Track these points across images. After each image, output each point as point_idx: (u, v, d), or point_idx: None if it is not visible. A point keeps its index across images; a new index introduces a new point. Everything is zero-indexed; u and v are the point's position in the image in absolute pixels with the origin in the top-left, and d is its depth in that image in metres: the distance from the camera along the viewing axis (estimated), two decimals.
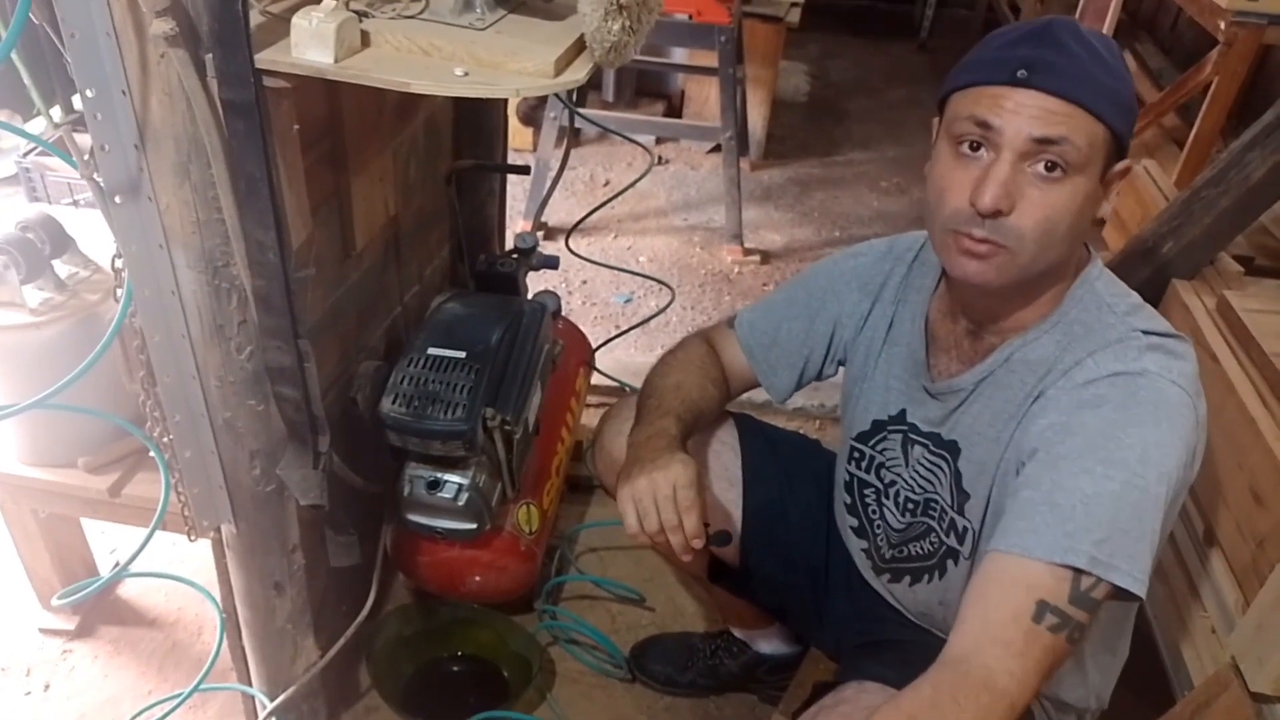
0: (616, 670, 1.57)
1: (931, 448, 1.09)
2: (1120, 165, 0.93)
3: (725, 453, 1.30)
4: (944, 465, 1.07)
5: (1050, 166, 0.88)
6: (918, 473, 1.11)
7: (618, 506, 1.07)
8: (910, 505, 1.13)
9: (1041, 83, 0.87)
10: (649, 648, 1.58)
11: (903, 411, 1.12)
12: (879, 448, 1.16)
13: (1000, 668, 0.83)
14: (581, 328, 1.98)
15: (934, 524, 1.11)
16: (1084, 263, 1.00)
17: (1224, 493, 1.36)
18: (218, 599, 1.27)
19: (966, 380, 1.03)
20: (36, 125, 1.49)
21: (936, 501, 1.09)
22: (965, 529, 1.06)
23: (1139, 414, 0.89)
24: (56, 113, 1.00)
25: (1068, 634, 0.85)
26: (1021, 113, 0.88)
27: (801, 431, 2.11)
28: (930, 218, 0.97)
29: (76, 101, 0.97)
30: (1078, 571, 0.84)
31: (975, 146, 0.91)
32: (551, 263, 1.78)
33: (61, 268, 1.29)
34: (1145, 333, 0.94)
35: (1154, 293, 1.67)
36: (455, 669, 1.53)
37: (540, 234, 2.85)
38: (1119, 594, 0.86)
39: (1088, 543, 0.84)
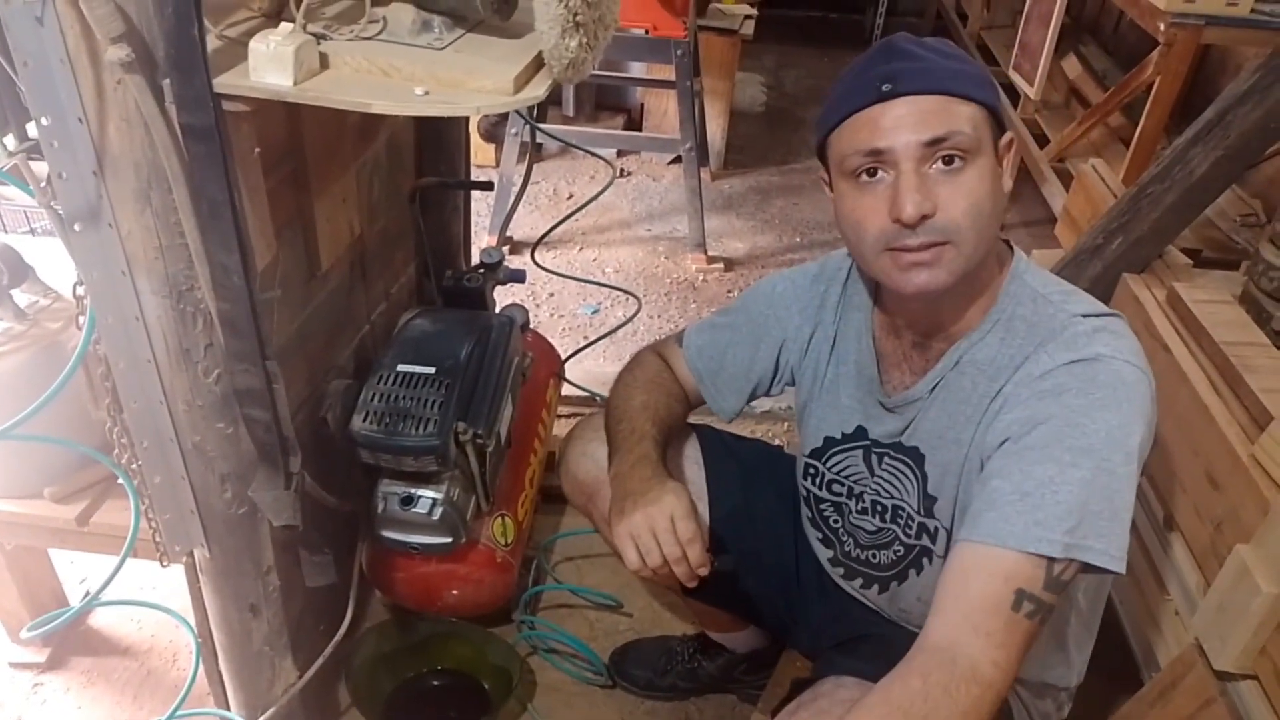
0: (597, 677, 1.57)
1: (893, 454, 1.10)
2: (1005, 138, 0.97)
3: (689, 467, 1.31)
4: (910, 471, 1.09)
5: (949, 160, 0.91)
6: (883, 480, 1.13)
7: (615, 543, 1.07)
8: (879, 509, 1.14)
9: (907, 87, 0.91)
10: (628, 653, 1.59)
11: (861, 429, 1.13)
12: (831, 463, 1.18)
13: (985, 658, 0.85)
14: (550, 339, 1.99)
15: (899, 531, 1.12)
16: (1006, 257, 1.02)
17: (1181, 478, 1.39)
18: (192, 624, 1.26)
19: (920, 389, 1.05)
20: None
21: (904, 508, 1.11)
22: (937, 529, 1.08)
23: (1101, 398, 0.90)
24: (10, 141, 0.99)
25: (1041, 618, 0.87)
26: (902, 125, 0.91)
27: (769, 434, 2.14)
28: (857, 251, 1.00)
29: (31, 129, 0.97)
30: (1051, 559, 0.86)
31: (872, 172, 0.94)
32: (518, 276, 1.78)
33: (21, 297, 1.28)
34: (1086, 316, 0.96)
35: (1105, 287, 1.71)
36: (435, 684, 1.52)
37: (506, 248, 2.85)
38: (1093, 569, 0.88)
39: (1060, 531, 0.86)
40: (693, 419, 1.34)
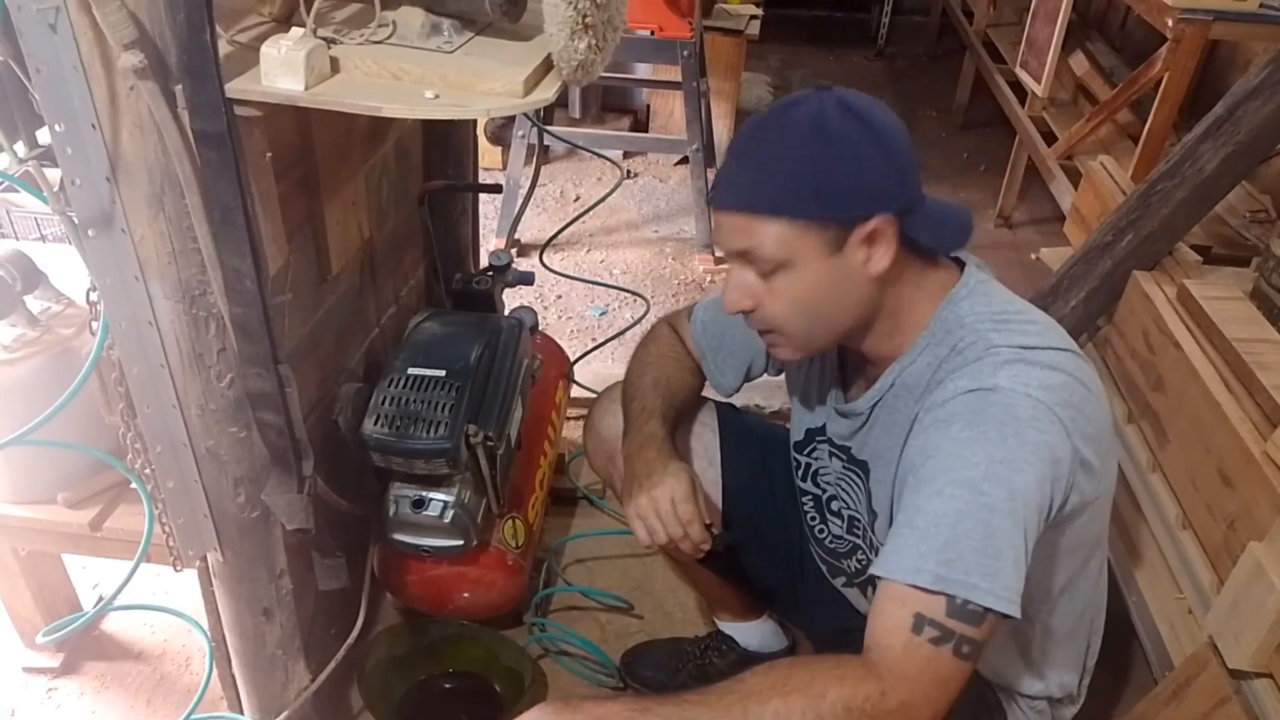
0: (608, 679, 1.57)
1: (845, 462, 1.13)
2: (867, 228, 0.92)
3: (705, 433, 1.35)
4: (859, 483, 1.12)
5: (761, 269, 0.95)
6: (841, 486, 1.16)
7: (627, 522, 1.14)
8: (842, 517, 1.18)
9: (717, 202, 0.97)
10: (639, 655, 1.59)
11: (824, 425, 1.17)
12: (813, 455, 1.21)
13: (880, 663, 0.85)
14: (559, 341, 1.99)
15: (859, 541, 1.15)
16: (946, 283, 1.00)
17: (1194, 476, 1.39)
18: (206, 628, 1.27)
19: (863, 404, 1.07)
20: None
21: (859, 519, 1.14)
22: (879, 547, 1.08)
23: (985, 431, 0.88)
24: (20, 148, 1.00)
25: (954, 646, 0.84)
26: (721, 231, 0.98)
27: None
28: None
29: (41, 136, 0.98)
30: (946, 594, 0.84)
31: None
32: (527, 279, 1.79)
33: (34, 303, 1.28)
34: (1009, 347, 0.93)
35: (1116, 284, 1.71)
36: (447, 686, 1.52)
37: (514, 251, 2.86)
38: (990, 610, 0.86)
39: (933, 562, 0.85)
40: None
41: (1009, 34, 3.63)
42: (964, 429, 0.89)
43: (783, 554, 1.34)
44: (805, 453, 1.22)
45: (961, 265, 1.04)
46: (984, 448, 0.88)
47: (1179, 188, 1.62)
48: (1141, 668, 1.37)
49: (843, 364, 1.14)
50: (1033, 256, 2.91)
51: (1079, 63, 3.28)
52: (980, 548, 0.85)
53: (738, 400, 1.40)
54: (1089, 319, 1.77)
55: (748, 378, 1.30)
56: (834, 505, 1.19)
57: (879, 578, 0.89)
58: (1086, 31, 3.53)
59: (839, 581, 1.24)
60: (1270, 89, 1.53)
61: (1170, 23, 2.23)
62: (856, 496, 1.13)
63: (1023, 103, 3.20)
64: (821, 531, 1.23)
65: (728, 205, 0.95)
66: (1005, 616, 0.85)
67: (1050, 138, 2.98)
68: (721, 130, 3.45)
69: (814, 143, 0.92)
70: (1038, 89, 2.95)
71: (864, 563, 1.16)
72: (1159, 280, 1.65)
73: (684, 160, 3.34)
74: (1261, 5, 2.20)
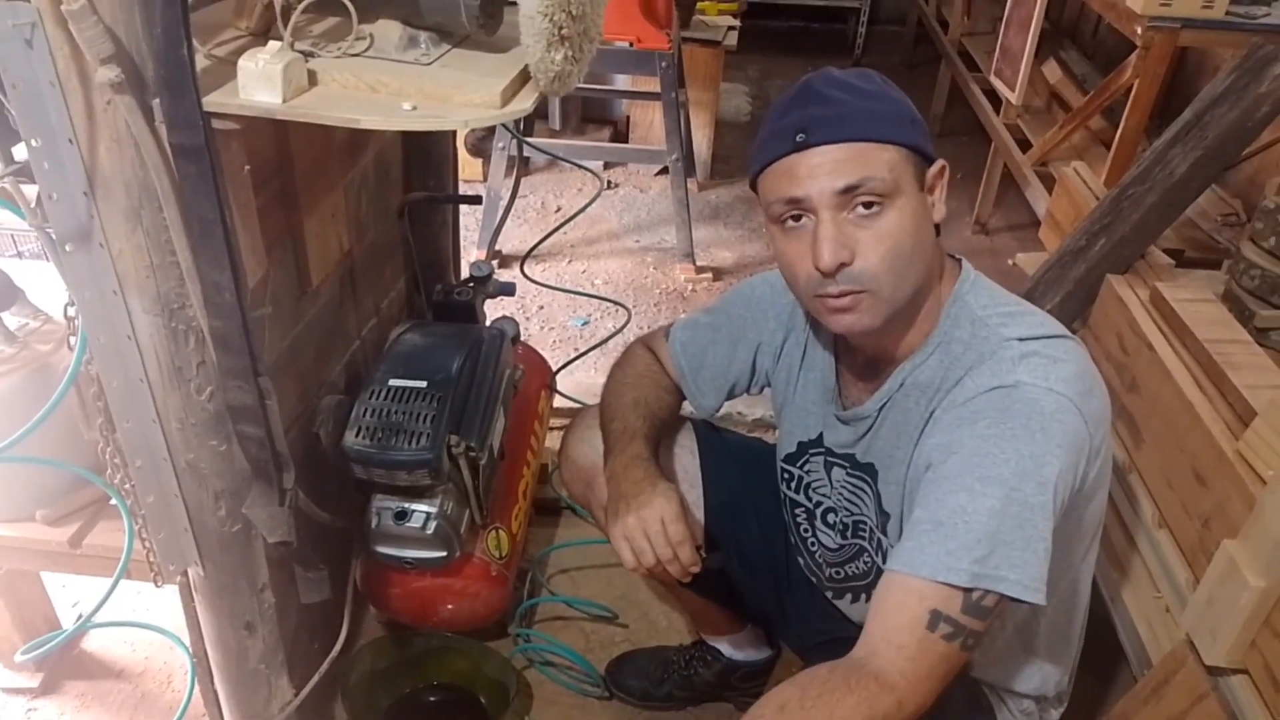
0: (594, 689, 1.57)
1: (849, 469, 1.13)
2: (934, 168, 0.98)
3: (684, 455, 1.34)
4: (866, 487, 1.11)
5: (867, 205, 0.93)
6: (842, 494, 1.15)
7: (611, 543, 1.11)
8: (841, 526, 1.17)
9: (820, 138, 0.93)
10: (624, 664, 1.60)
11: (820, 435, 1.16)
12: (805, 468, 1.20)
13: (892, 668, 0.86)
14: (541, 351, 1.99)
15: (865, 544, 1.15)
16: (952, 277, 1.03)
17: (1169, 476, 1.40)
18: (187, 644, 1.26)
19: (869, 407, 1.07)
20: None
21: (865, 523, 1.13)
22: (889, 549, 1.09)
23: (1013, 428, 0.90)
24: None
25: (962, 641, 0.87)
26: (817, 173, 0.93)
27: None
28: (794, 292, 1.03)
29: (16, 152, 0.97)
30: (965, 588, 0.87)
31: (796, 218, 0.96)
32: (508, 289, 1.79)
33: (11, 320, 1.27)
34: (1021, 340, 0.95)
35: (1090, 287, 1.73)
36: (432, 699, 1.52)
37: (495, 262, 2.86)
38: (1015, 601, 0.88)
39: (968, 560, 0.86)
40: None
41: (983, 43, 3.67)
42: (989, 426, 0.91)
43: (769, 569, 1.34)
44: (797, 465, 1.21)
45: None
46: (1012, 444, 0.89)
47: (1150, 192, 1.64)
48: (1122, 667, 1.39)
49: (838, 374, 1.14)
50: (1010, 262, 2.94)
51: (1052, 70, 3.33)
52: (1010, 540, 0.87)
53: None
54: (1064, 322, 1.78)
55: (729, 397, 1.29)
56: (829, 517, 1.19)
57: (895, 572, 0.90)
58: (1059, 40, 3.59)
59: (828, 593, 1.24)
60: (1236, 94, 1.56)
61: (1139, 30, 2.27)
62: (863, 502, 1.12)
63: (997, 110, 3.23)
64: (813, 544, 1.23)
65: (836, 138, 0.92)
66: (1019, 602, 0.87)
67: (1025, 145, 3.01)
68: (700, 140, 3.47)
69: (888, 86, 0.98)
70: (1012, 97, 2.99)
71: (869, 565, 1.15)
72: (1132, 283, 1.67)
73: (664, 170, 3.35)
74: (1228, 12, 2.24)
